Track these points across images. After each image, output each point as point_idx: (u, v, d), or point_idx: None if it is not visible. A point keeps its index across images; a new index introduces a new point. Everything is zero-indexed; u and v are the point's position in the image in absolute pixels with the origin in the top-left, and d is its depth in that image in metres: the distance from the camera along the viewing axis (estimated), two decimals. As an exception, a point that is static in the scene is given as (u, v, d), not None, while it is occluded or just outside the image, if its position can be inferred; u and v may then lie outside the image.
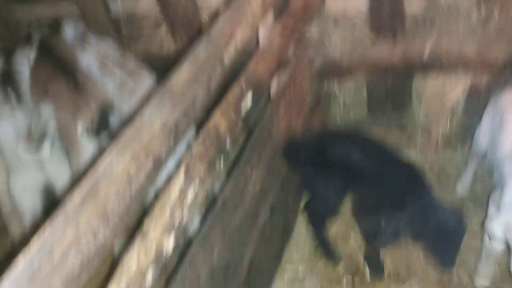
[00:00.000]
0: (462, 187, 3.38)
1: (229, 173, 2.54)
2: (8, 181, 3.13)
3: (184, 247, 3.03)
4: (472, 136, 3.57)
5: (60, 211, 1.36)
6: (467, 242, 2.82)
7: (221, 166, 2.18)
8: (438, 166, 3.61)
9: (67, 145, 2.98)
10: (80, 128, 2.86)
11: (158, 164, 1.63)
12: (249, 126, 3.00)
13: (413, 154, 3.72)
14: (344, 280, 2.98)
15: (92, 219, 1.37)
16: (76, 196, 1.37)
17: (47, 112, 2.85)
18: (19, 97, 3.16)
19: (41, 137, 2.96)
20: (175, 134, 1.71)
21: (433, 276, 2.93)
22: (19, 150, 3.02)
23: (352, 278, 2.99)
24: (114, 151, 1.49)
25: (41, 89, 3.09)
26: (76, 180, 1.51)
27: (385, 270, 2.99)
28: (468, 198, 3.35)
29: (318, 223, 3.15)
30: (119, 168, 1.45)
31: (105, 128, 2.69)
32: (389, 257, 3.05)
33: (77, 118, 2.88)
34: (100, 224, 1.40)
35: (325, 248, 3.12)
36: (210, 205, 2.39)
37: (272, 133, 2.84)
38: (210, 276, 2.24)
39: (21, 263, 1.20)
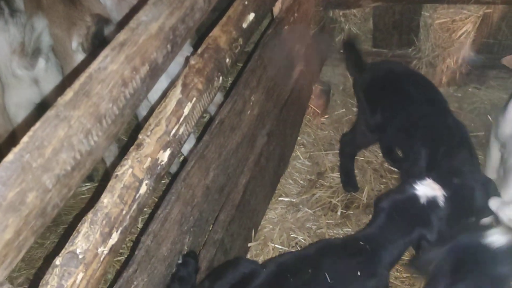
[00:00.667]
0: None
1: (226, 95, 2.48)
2: (2, 97, 3.07)
3: (180, 165, 3.04)
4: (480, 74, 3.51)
5: (52, 108, 1.31)
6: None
7: (219, 83, 2.11)
8: (439, 102, 3.56)
9: (62, 61, 2.90)
10: (75, 43, 2.77)
11: (154, 70, 1.57)
12: (250, 49, 2.91)
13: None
14: (339, 211, 3.01)
15: (84, 118, 1.32)
16: (68, 93, 1.31)
17: (41, 26, 2.74)
18: (12, 11, 3.03)
19: (35, 53, 2.88)
20: (173, 40, 1.63)
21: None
22: (13, 65, 2.95)
23: (347, 210, 3.01)
24: (108, 50, 1.42)
25: (34, 2, 2.97)
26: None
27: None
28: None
29: (347, 154, 3.16)
30: (112, 67, 1.38)
31: (101, 43, 2.59)
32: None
33: (72, 33, 2.78)
34: (93, 124, 1.35)
35: (347, 177, 3.13)
36: (207, 124, 2.35)
37: (273, 57, 2.75)
38: (205, 195, 2.24)
39: (11, 154, 1.17)
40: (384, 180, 3.14)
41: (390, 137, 2.94)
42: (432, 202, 2.13)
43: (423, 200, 2.13)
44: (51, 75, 3.01)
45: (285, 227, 2.93)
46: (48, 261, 2.85)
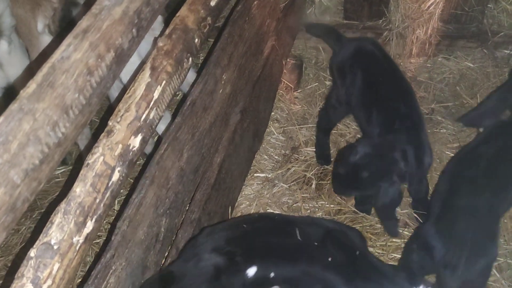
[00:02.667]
0: None
1: (198, 73, 2.46)
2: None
3: (153, 148, 3.02)
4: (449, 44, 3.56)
5: (15, 101, 1.28)
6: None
7: (189, 64, 2.09)
8: (410, 73, 3.60)
9: (28, 43, 2.80)
10: (41, 25, 2.68)
11: (120, 56, 1.54)
12: (220, 26, 2.87)
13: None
14: (313, 185, 3.05)
15: (49, 110, 1.30)
16: (31, 85, 1.28)
17: (1, 6, 2.63)
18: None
19: None
20: (138, 24, 1.60)
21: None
22: (-27, 48, 2.84)
23: (321, 183, 3.05)
24: (71, 38, 1.38)
25: (-7, -19, 2.84)
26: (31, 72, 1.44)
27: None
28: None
29: (323, 128, 3.19)
30: (76, 56, 1.35)
31: (69, 25, 2.51)
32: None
33: (36, 14, 2.68)
34: (59, 115, 1.33)
35: (321, 150, 3.18)
36: (178, 105, 2.33)
37: (244, 33, 2.73)
38: (179, 177, 2.24)
39: (-26, 154, 1.14)
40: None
41: (353, 113, 3.05)
42: None
43: None
44: (15, 58, 2.90)
45: (261, 202, 2.97)
46: (26, 247, 2.84)
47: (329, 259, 2.06)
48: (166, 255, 2.22)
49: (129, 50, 1.59)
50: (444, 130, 3.22)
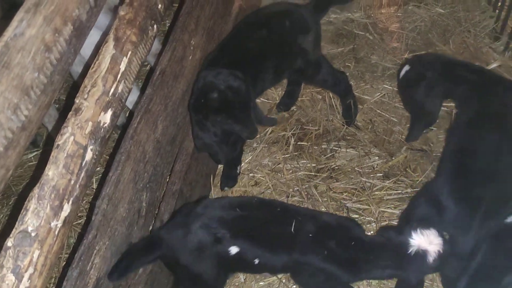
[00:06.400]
0: None
1: (165, 41, 2.36)
2: None
3: (126, 122, 2.94)
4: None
5: (-31, 86, 1.19)
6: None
7: (154, 32, 2.00)
8: (381, 24, 3.55)
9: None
10: None
11: (79, 29, 1.45)
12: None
13: (358, 14, 3.63)
14: (292, 141, 3.03)
15: (8, 93, 1.22)
16: (-16, 68, 1.19)
17: None
18: None
19: None
20: (95, -7, 1.50)
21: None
22: None
23: (301, 144, 3.03)
24: (22, 13, 1.28)
25: None
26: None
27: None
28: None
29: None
30: (30, 32, 1.26)
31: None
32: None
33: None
34: (20, 97, 1.25)
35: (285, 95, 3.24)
36: (147, 76, 2.25)
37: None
38: (156, 149, 2.19)
39: None
40: (335, 109, 3.15)
41: None
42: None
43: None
44: None
45: (242, 168, 2.94)
46: (4, 236, 2.77)
47: (325, 252, 2.09)
48: (150, 229, 2.19)
49: (88, 22, 1.50)
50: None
